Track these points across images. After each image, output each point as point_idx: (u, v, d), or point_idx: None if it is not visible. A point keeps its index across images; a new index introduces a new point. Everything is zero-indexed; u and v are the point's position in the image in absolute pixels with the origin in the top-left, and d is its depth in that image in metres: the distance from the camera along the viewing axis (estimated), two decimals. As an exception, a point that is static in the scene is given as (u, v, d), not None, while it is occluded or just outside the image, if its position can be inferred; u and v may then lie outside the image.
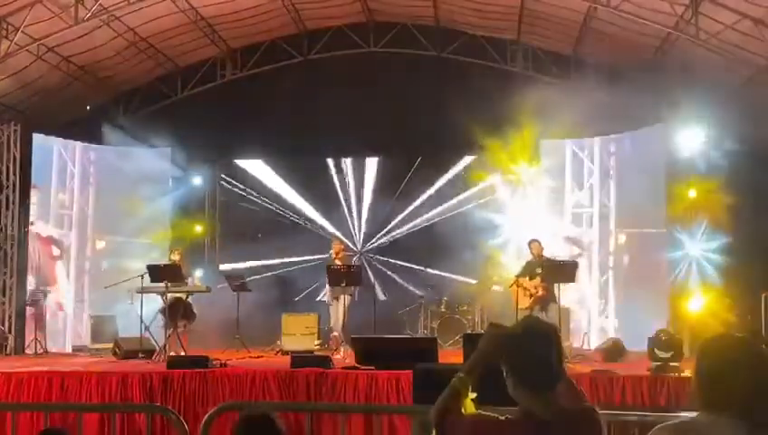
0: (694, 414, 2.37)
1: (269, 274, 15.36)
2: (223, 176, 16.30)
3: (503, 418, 2.51)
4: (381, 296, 14.78)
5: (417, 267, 14.93)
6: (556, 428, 2.48)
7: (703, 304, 11.74)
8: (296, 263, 15.43)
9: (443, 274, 14.79)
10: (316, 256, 14.59)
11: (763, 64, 12.03)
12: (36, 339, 12.73)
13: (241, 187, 16.18)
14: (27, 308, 13.16)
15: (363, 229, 15.96)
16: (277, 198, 16.01)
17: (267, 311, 13.23)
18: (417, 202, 15.66)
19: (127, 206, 14.37)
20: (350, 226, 15.94)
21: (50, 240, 14.14)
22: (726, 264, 11.90)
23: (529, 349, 2.54)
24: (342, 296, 11.36)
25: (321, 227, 15.83)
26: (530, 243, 11.38)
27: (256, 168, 16.13)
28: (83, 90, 15.22)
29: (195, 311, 11.46)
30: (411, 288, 14.77)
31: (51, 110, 15.11)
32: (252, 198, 16.08)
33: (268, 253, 15.44)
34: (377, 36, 15.83)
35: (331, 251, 12.02)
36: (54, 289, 13.80)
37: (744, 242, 11.88)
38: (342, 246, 12.38)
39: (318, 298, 12.01)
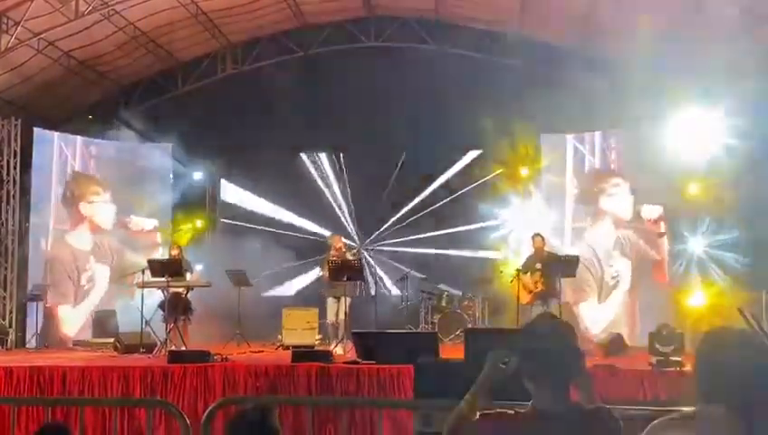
0: (693, 408, 2.36)
1: (269, 269, 15.34)
2: (224, 170, 16.32)
3: (511, 412, 2.53)
4: (381, 291, 14.81)
5: (405, 270, 14.87)
6: (568, 422, 2.48)
7: (704, 298, 11.74)
8: (297, 256, 15.43)
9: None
10: (316, 249, 14.57)
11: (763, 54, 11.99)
12: (37, 333, 12.74)
13: (241, 181, 16.19)
14: (28, 303, 13.20)
15: (363, 224, 15.95)
16: (277, 193, 16.01)
17: (268, 306, 13.22)
18: (419, 197, 15.67)
19: (127, 200, 14.40)
20: (350, 221, 15.92)
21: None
22: (728, 258, 11.88)
23: (543, 344, 2.56)
24: (343, 298, 11.31)
25: (321, 221, 15.81)
26: (533, 237, 11.40)
27: (257, 162, 16.12)
28: (84, 84, 15.21)
29: (192, 307, 11.43)
30: (412, 281, 14.73)
31: (51, 104, 15.11)
32: (252, 192, 16.09)
33: (268, 247, 15.43)
34: (377, 31, 15.81)
35: (330, 242, 11.99)
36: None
37: (746, 237, 11.86)
38: (343, 242, 12.36)
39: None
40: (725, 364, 2.29)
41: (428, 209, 15.64)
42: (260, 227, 15.67)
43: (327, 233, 14.39)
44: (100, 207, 14.32)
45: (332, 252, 11.86)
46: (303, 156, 16.01)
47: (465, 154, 15.52)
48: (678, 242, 12.38)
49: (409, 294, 14.23)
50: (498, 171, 14.77)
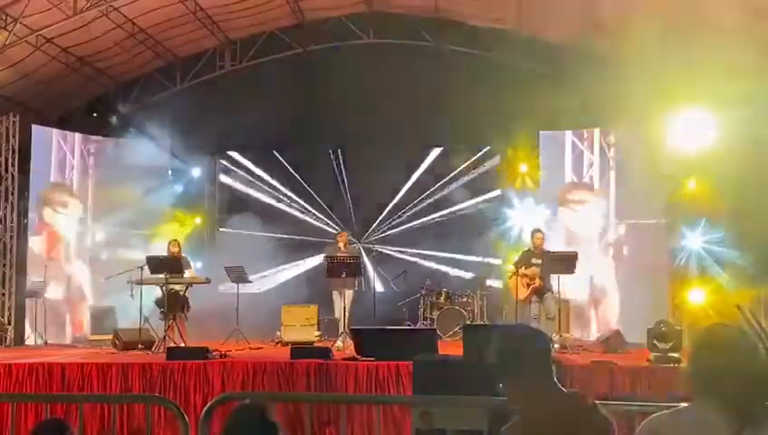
0: (688, 404, 2.38)
1: (269, 265, 15.34)
2: (222, 167, 16.31)
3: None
4: (380, 287, 14.82)
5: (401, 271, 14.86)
6: (558, 417, 2.51)
7: (702, 294, 11.74)
8: (296, 251, 15.44)
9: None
10: (316, 244, 14.57)
11: (762, 53, 11.98)
12: (36, 330, 12.73)
13: (240, 178, 16.18)
14: (27, 299, 13.19)
15: (363, 220, 15.94)
16: (276, 189, 16.01)
17: (267, 302, 13.22)
18: (419, 192, 15.67)
19: (126, 197, 14.39)
20: (349, 216, 15.92)
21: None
22: (727, 255, 11.88)
23: (530, 343, 2.73)
24: (344, 291, 11.30)
25: (320, 218, 15.82)
26: (533, 233, 11.39)
27: (256, 159, 16.13)
28: (82, 81, 15.18)
29: (189, 303, 11.41)
30: (412, 278, 14.74)
31: (50, 101, 15.09)
32: (251, 189, 16.09)
33: (268, 243, 15.44)
34: (376, 27, 15.78)
35: (338, 241, 11.99)
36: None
37: (744, 233, 11.86)
38: (347, 238, 12.36)
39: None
40: (719, 362, 2.30)
41: (424, 195, 15.63)
42: (259, 223, 15.67)
43: (326, 229, 14.40)
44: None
45: (338, 245, 11.84)
46: (302, 152, 15.98)
47: (463, 151, 15.51)
48: (677, 238, 12.38)
49: (408, 290, 14.23)
50: (497, 168, 14.80)
